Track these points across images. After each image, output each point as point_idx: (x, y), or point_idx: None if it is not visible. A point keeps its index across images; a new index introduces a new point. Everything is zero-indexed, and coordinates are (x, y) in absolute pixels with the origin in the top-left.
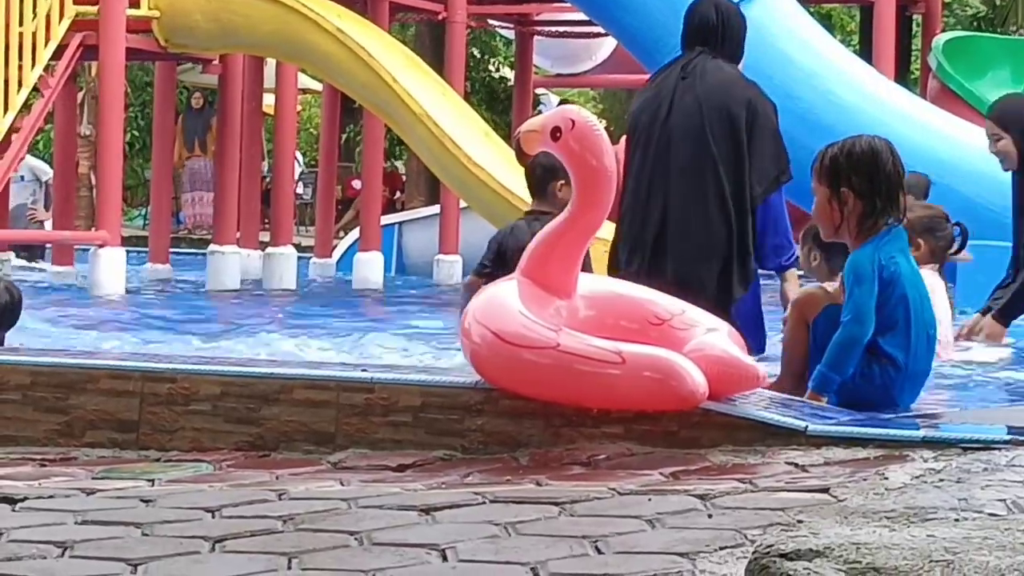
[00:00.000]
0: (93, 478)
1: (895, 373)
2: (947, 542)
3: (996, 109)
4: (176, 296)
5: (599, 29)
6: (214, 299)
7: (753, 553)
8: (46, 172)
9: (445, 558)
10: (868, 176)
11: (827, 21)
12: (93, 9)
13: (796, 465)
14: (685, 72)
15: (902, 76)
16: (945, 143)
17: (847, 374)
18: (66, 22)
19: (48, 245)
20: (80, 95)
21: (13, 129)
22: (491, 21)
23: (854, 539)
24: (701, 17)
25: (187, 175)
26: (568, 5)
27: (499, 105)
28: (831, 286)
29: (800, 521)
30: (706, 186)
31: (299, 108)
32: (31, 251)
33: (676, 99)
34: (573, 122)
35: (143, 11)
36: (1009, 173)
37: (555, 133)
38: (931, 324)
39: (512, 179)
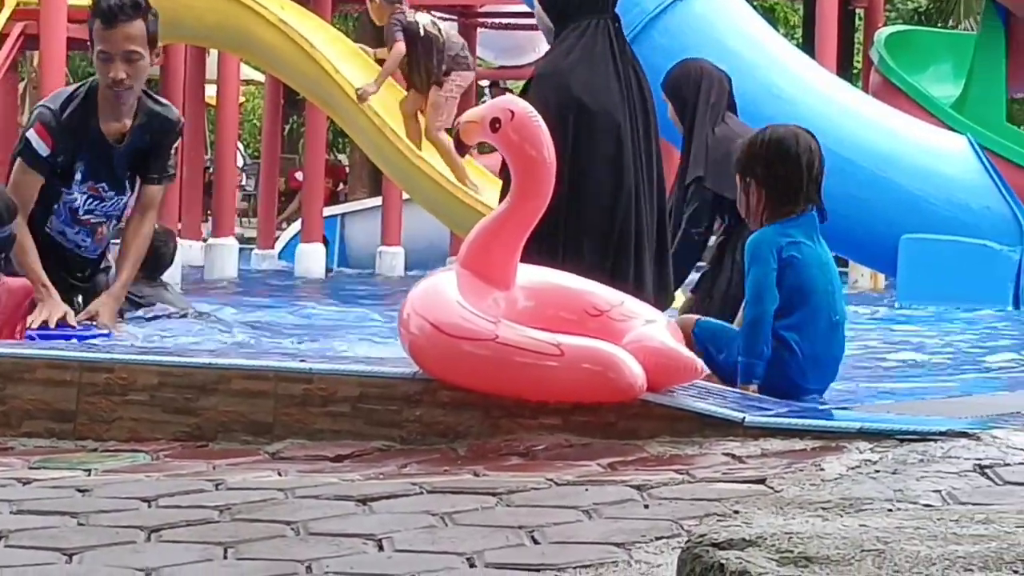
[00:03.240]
0: (29, 468)
1: (789, 356)
2: (879, 532)
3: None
4: None
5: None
6: None
7: (686, 543)
8: None
9: (381, 548)
10: (772, 165)
11: (770, 15)
12: None
13: (733, 456)
14: (616, 50)
15: (844, 70)
16: (886, 136)
17: (764, 354)
18: (7, 11)
19: None
20: (21, 85)
21: None
22: (435, 12)
23: (787, 529)
24: None
25: None
26: None
27: None
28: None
29: (736, 512)
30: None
31: (241, 99)
32: None
33: (624, 83)
34: (512, 113)
35: (85, 0)
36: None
37: (494, 124)
38: (836, 310)
39: None
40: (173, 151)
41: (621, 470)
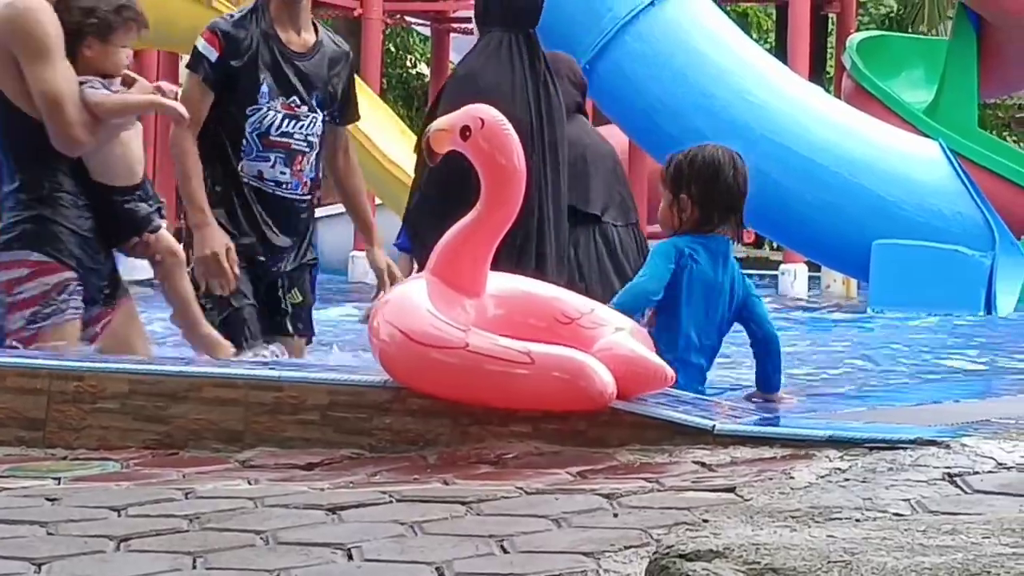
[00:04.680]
0: None
1: None
2: (847, 543)
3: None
4: None
5: None
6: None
7: (654, 554)
8: None
9: (351, 557)
10: (706, 186)
11: (743, 20)
12: None
13: (703, 464)
14: (524, 59)
15: (817, 75)
16: (858, 142)
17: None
18: None
19: None
20: None
21: None
22: (407, 18)
23: (754, 539)
24: None
25: None
26: None
27: (415, 102)
28: None
29: (705, 521)
30: None
31: None
32: None
33: (532, 88)
34: (483, 121)
35: None
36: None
37: (464, 132)
38: (707, 334)
39: None
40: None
41: (591, 478)
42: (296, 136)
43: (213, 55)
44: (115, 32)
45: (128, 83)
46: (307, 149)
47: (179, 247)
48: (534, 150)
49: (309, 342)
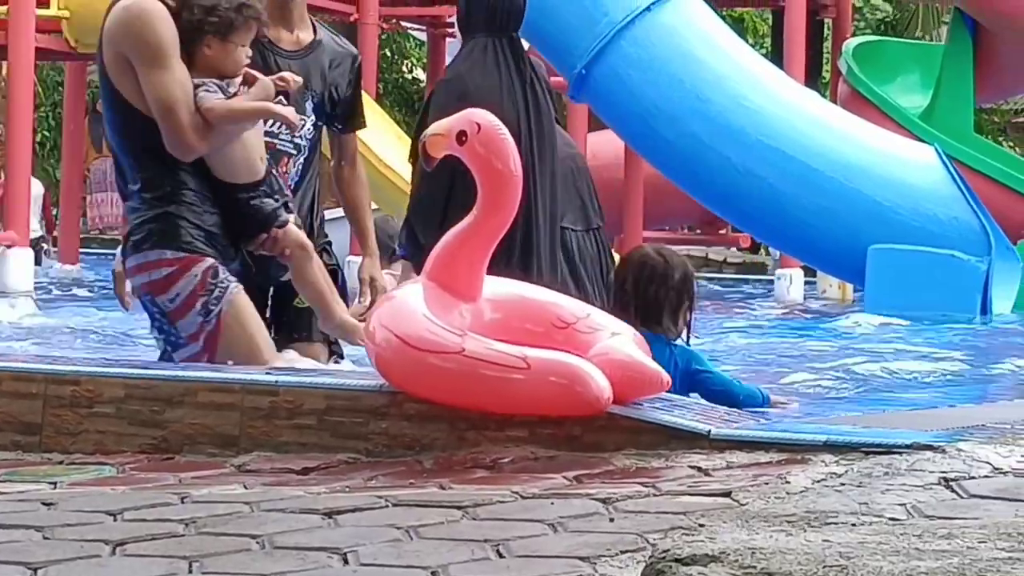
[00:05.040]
0: None
1: None
2: (842, 547)
3: None
4: (85, 297)
5: None
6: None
7: (649, 558)
8: None
9: (346, 562)
10: (639, 284)
11: (739, 25)
12: (2, 8)
13: (699, 469)
14: (509, 62)
15: (813, 80)
16: (854, 147)
17: None
18: None
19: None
20: None
21: None
22: (404, 23)
23: (750, 544)
24: None
25: (92, 177)
26: None
27: (411, 107)
28: None
29: (701, 525)
30: None
31: None
32: None
33: (520, 90)
34: (479, 126)
35: (53, 11)
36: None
37: (461, 137)
38: None
39: None
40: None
41: (587, 483)
42: (282, 137)
43: None
44: (235, 31)
45: (249, 81)
46: (294, 151)
47: (308, 240)
48: (523, 152)
49: (332, 349)
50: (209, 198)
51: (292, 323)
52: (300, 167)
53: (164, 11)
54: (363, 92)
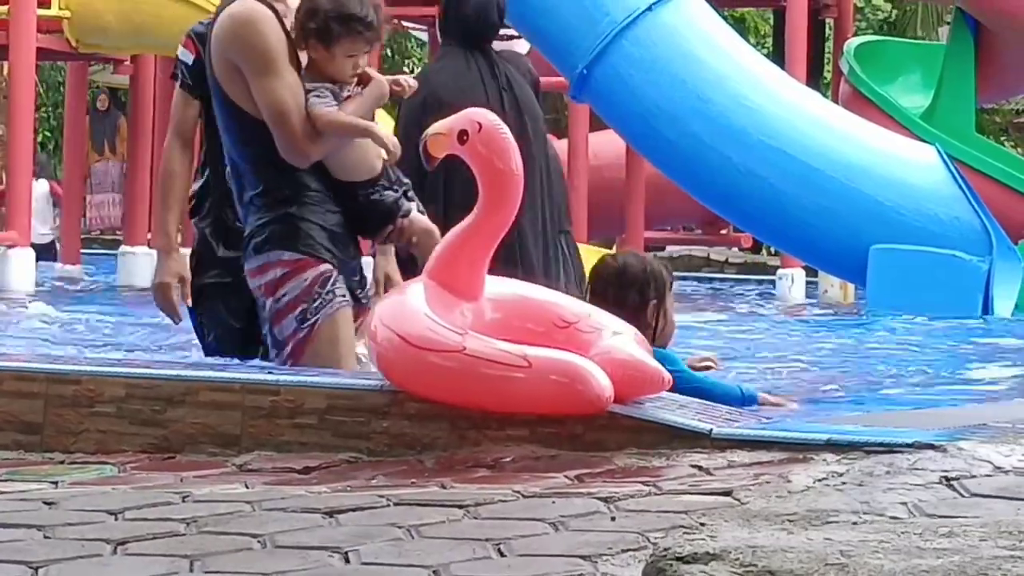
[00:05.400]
0: None
1: None
2: (843, 545)
3: None
4: (87, 297)
5: (512, 31)
6: (127, 300)
7: (650, 556)
8: None
9: (348, 560)
10: (620, 291)
11: (741, 25)
12: (3, 8)
13: (700, 468)
14: (480, 66)
15: (814, 80)
16: (855, 147)
17: None
18: None
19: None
20: None
21: None
22: (405, 22)
23: (751, 542)
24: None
25: (93, 178)
26: None
27: None
28: None
29: (702, 524)
30: None
31: None
32: None
33: (493, 90)
34: (480, 125)
35: (54, 11)
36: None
37: (462, 136)
38: None
39: None
40: None
41: (588, 482)
42: None
43: (189, 59)
44: (337, 41)
45: (364, 81)
46: None
47: (434, 226)
48: None
49: None
50: (330, 197)
51: None
52: None
53: (271, 16)
54: None
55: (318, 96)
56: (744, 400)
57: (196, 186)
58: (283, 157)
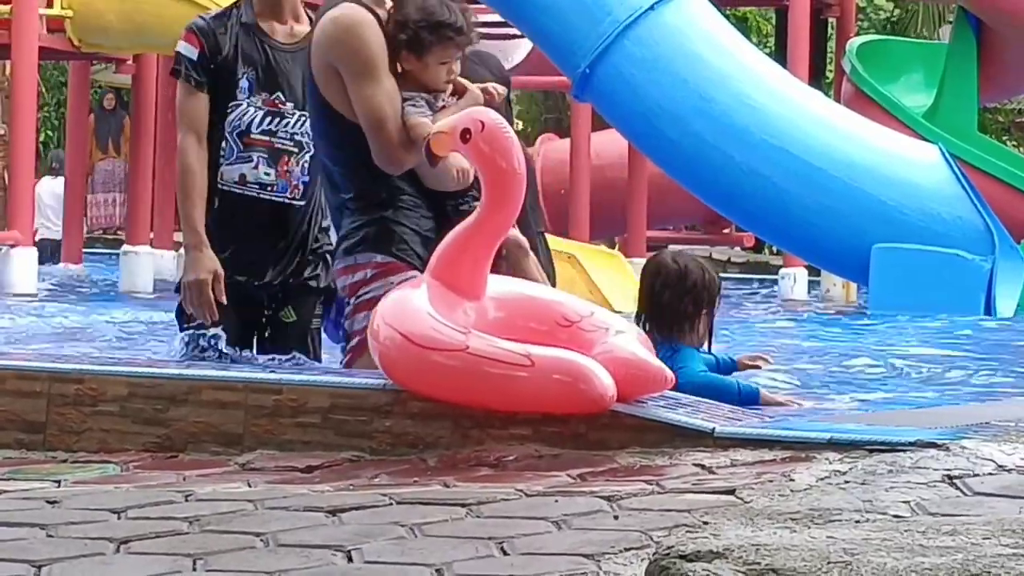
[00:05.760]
0: None
1: None
2: (846, 543)
3: None
4: (92, 296)
5: (515, 31)
6: (128, 300)
7: (653, 555)
8: None
9: (351, 559)
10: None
11: (743, 24)
12: (6, 8)
13: (703, 467)
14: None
15: (817, 79)
16: (858, 146)
17: None
18: None
19: None
20: None
21: None
22: None
23: (754, 540)
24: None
25: (96, 176)
26: (484, 7)
27: None
28: None
29: (705, 523)
30: None
31: None
32: None
33: None
34: (483, 124)
35: (56, 10)
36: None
37: (465, 135)
38: None
39: None
40: None
41: (591, 481)
42: (280, 134)
43: (194, 53)
44: (429, 49)
45: (459, 91)
46: (294, 149)
47: (524, 238)
48: None
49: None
50: (423, 203)
51: (275, 336)
52: (307, 165)
53: (373, 22)
54: None
55: (414, 105)
56: (745, 396)
57: None
58: (377, 164)
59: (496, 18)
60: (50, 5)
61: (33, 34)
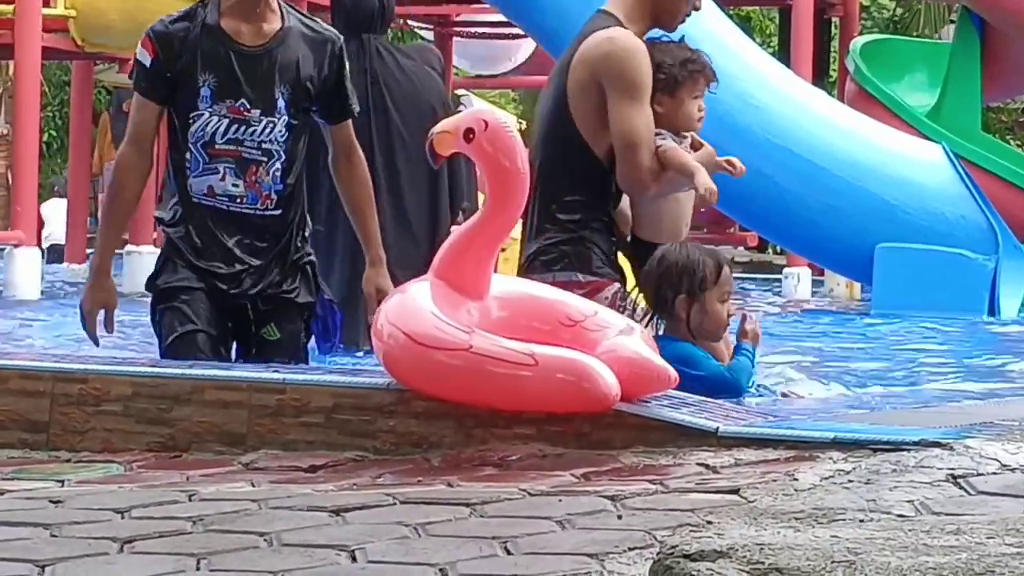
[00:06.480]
0: (2, 479)
1: None
2: (850, 543)
3: None
4: None
5: (518, 30)
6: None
7: (657, 554)
8: None
9: (354, 559)
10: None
11: (746, 24)
12: (9, 8)
13: (707, 466)
14: (371, 69)
15: (820, 79)
16: (861, 146)
17: None
18: None
19: None
20: None
21: None
22: (411, 22)
23: (758, 540)
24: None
25: (108, 176)
26: (487, 7)
27: None
28: None
29: (709, 522)
30: None
31: None
32: None
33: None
34: (486, 123)
35: (59, 10)
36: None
37: (468, 134)
38: None
39: None
40: (348, 81)
41: (595, 480)
42: (247, 143)
43: (147, 59)
44: (682, 85)
45: (695, 146)
46: (263, 158)
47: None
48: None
49: None
50: (612, 225)
51: (260, 353)
52: (279, 173)
53: (647, 52)
54: None
55: (663, 138)
56: (733, 382)
57: (164, 193)
58: (620, 185)
59: (500, 18)
60: (53, 5)
61: (36, 34)
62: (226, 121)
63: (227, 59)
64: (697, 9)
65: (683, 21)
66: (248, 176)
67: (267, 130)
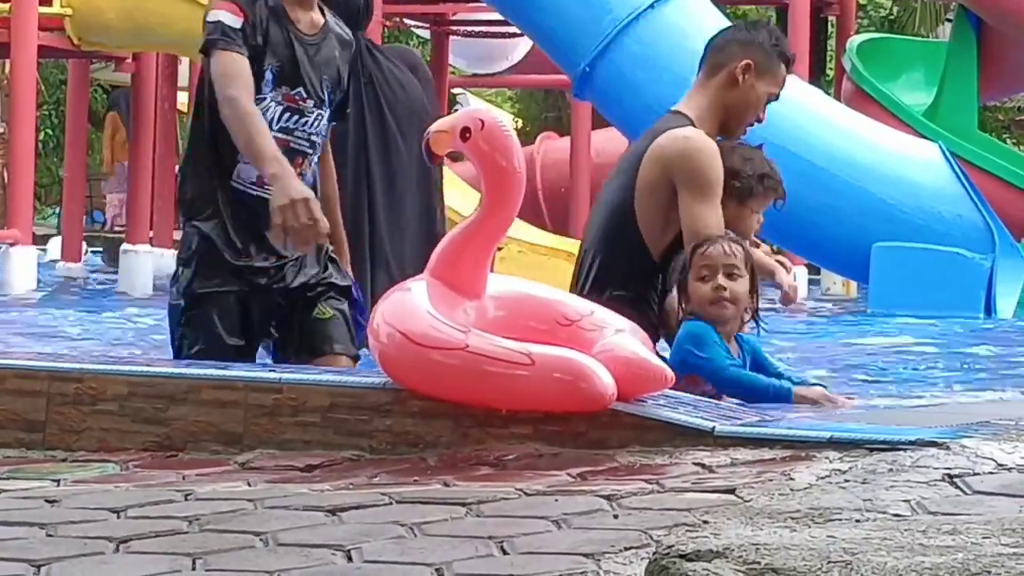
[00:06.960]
0: None
1: None
2: (847, 543)
3: None
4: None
5: (515, 29)
6: (128, 298)
7: (653, 554)
8: None
9: (350, 559)
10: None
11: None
12: (5, 6)
13: (703, 466)
14: (361, 69)
15: (817, 78)
16: (858, 145)
17: None
18: None
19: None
20: None
21: None
22: (407, 21)
23: (754, 540)
24: None
25: (118, 176)
26: (484, 5)
27: None
28: None
29: (705, 522)
30: None
31: None
32: None
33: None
34: (483, 122)
35: (55, 9)
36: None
37: (465, 133)
38: None
39: None
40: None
41: (591, 480)
42: (297, 133)
43: (236, 22)
44: (753, 198)
45: (754, 247)
46: (309, 150)
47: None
48: (357, 147)
49: (355, 362)
50: (659, 320)
51: (315, 335)
52: (315, 168)
53: (720, 154)
54: None
55: None
56: (772, 396)
57: (190, 185)
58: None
59: (496, 16)
60: (49, 3)
61: (32, 32)
62: (280, 109)
63: (289, 46)
64: (761, 121)
65: (745, 132)
66: (294, 167)
67: (316, 122)
